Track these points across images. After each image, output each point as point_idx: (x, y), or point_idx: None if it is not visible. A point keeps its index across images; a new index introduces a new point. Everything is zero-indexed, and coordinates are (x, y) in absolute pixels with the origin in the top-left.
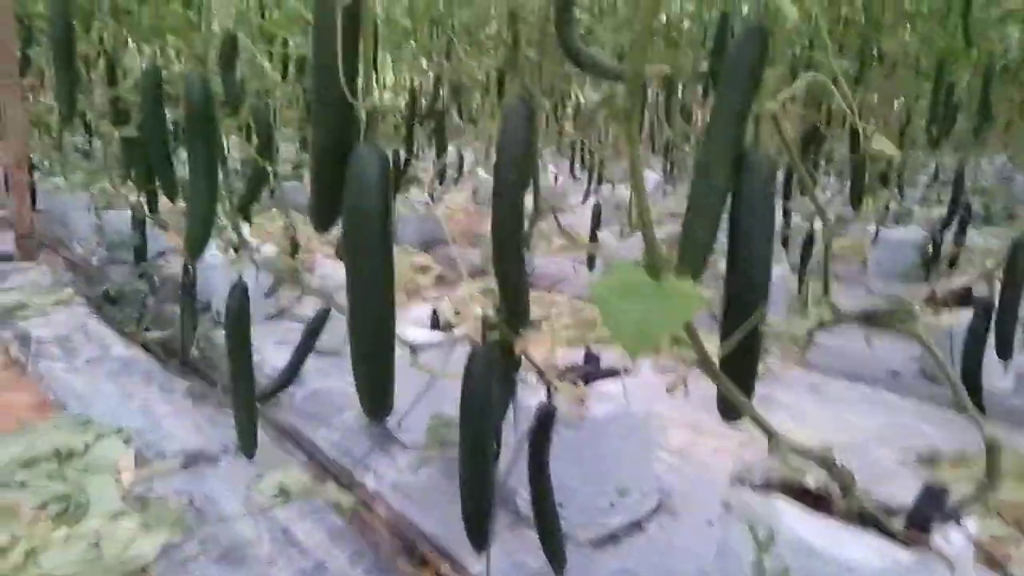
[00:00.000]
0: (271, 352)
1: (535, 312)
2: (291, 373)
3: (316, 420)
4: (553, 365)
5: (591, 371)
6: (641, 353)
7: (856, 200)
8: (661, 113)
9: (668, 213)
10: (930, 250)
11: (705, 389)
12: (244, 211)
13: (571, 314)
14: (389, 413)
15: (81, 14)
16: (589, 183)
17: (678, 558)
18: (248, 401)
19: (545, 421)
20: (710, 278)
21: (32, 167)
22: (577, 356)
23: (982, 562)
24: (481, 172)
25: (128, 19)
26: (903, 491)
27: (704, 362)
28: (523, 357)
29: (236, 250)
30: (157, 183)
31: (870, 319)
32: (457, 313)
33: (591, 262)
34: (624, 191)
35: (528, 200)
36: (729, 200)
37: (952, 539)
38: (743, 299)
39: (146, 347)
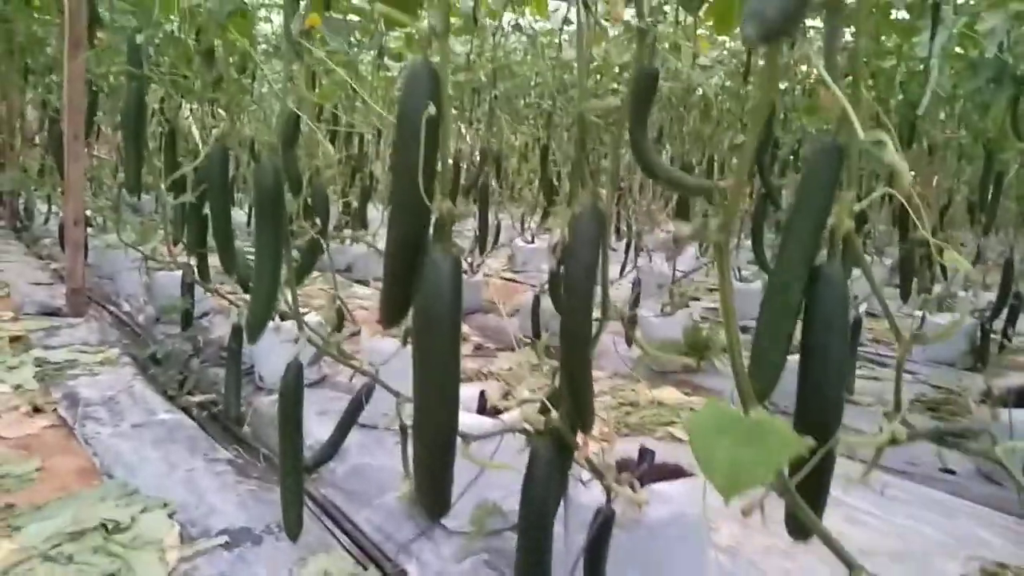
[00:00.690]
0: (313, 422)
1: None
2: (334, 448)
3: (358, 499)
4: (611, 465)
5: (647, 470)
6: (735, 496)
7: (906, 293)
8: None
9: (707, 288)
10: (979, 338)
11: None
12: (299, 281)
13: (612, 392)
14: (448, 511)
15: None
16: (627, 254)
17: None
18: (295, 483)
19: (604, 527)
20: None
21: (86, 223)
22: (629, 447)
23: None
24: (518, 240)
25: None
26: None
27: (783, 488)
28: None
29: (283, 318)
30: (209, 246)
31: (942, 438)
32: (506, 396)
33: (630, 338)
34: (661, 263)
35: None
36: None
37: None
38: (818, 419)
39: (189, 411)
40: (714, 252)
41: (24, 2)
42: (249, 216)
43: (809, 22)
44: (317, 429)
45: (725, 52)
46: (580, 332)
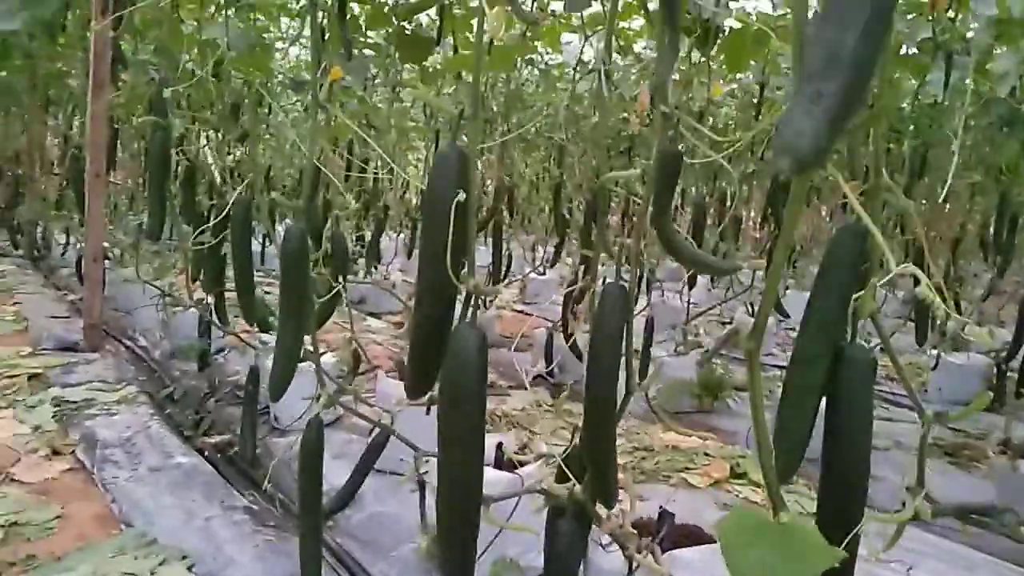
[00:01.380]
0: (329, 466)
1: None
2: (349, 495)
3: (374, 549)
4: (632, 534)
5: (667, 535)
6: None
7: (922, 338)
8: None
9: (719, 322)
10: (995, 376)
11: None
12: (319, 326)
13: (627, 434)
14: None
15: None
16: (638, 288)
17: None
18: (314, 540)
19: None
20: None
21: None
22: (645, 493)
23: None
24: (529, 271)
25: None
26: None
27: None
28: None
29: (301, 359)
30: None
31: (968, 517)
32: (523, 448)
33: (644, 375)
34: (674, 297)
35: None
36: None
37: None
38: (841, 502)
39: (205, 453)
40: (745, 358)
41: (49, 39)
42: (263, 248)
43: None
44: (333, 474)
45: (735, 86)
46: (604, 409)
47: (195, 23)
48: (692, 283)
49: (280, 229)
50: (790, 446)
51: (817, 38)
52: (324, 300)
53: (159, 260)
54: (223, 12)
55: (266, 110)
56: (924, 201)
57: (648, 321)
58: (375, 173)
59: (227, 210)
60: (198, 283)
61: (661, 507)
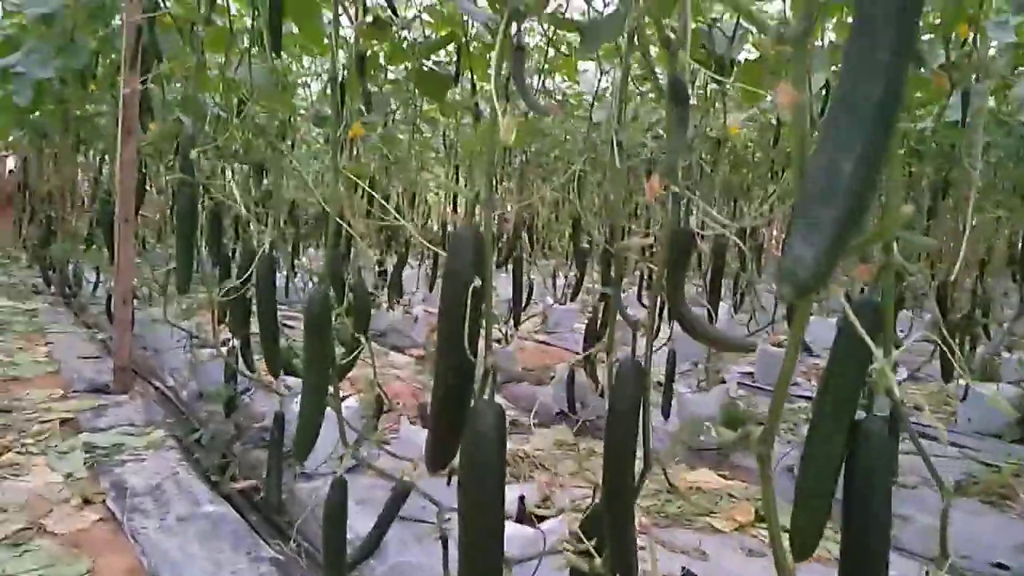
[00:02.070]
0: (353, 513)
1: None
2: (373, 546)
3: None
4: None
5: None
6: None
7: (947, 373)
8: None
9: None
10: None
11: None
12: (342, 378)
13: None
14: None
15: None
16: (659, 320)
17: None
18: None
19: None
20: None
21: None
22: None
23: None
24: (550, 300)
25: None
26: None
27: None
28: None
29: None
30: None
31: None
32: (545, 500)
33: (667, 411)
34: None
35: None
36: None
37: None
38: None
39: (232, 499)
40: (757, 463)
41: (80, 86)
42: (287, 282)
43: None
44: (357, 521)
45: (755, 110)
46: (622, 486)
47: (220, 64)
48: (713, 314)
49: (304, 259)
50: (809, 524)
51: (814, 164)
52: (348, 350)
53: (187, 300)
54: (248, 53)
55: (289, 143)
56: (948, 215)
57: (670, 354)
58: (396, 207)
59: (253, 252)
60: (225, 324)
61: (683, 568)
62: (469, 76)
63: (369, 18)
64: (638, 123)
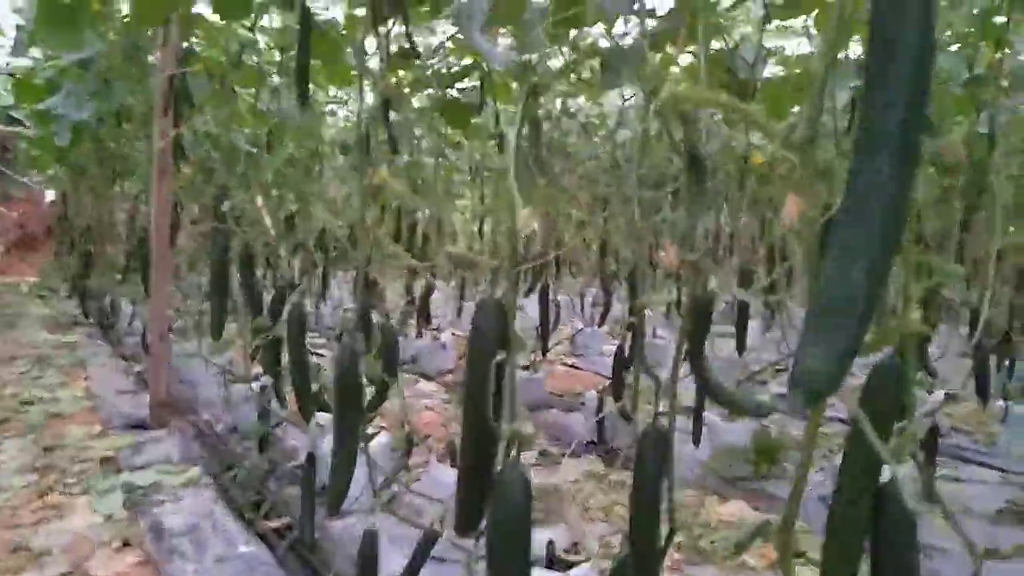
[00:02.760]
0: (384, 551)
1: None
2: None
3: None
4: None
5: None
6: None
7: (985, 398)
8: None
9: (775, 369)
10: None
11: None
12: (372, 417)
13: (681, 508)
14: None
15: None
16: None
17: None
18: None
19: None
20: None
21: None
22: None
23: None
24: (579, 323)
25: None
26: None
27: None
28: None
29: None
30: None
31: None
32: (574, 546)
33: (697, 439)
34: (725, 346)
35: None
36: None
37: None
38: None
39: (266, 538)
40: (775, 551)
41: (116, 124)
42: (317, 308)
43: None
44: (389, 559)
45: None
46: (648, 552)
47: (251, 96)
48: (741, 344)
49: (333, 290)
50: None
51: (825, 274)
52: (376, 389)
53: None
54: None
55: (317, 168)
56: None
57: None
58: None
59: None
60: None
61: None
62: (492, 103)
63: (394, 47)
64: (663, 144)
